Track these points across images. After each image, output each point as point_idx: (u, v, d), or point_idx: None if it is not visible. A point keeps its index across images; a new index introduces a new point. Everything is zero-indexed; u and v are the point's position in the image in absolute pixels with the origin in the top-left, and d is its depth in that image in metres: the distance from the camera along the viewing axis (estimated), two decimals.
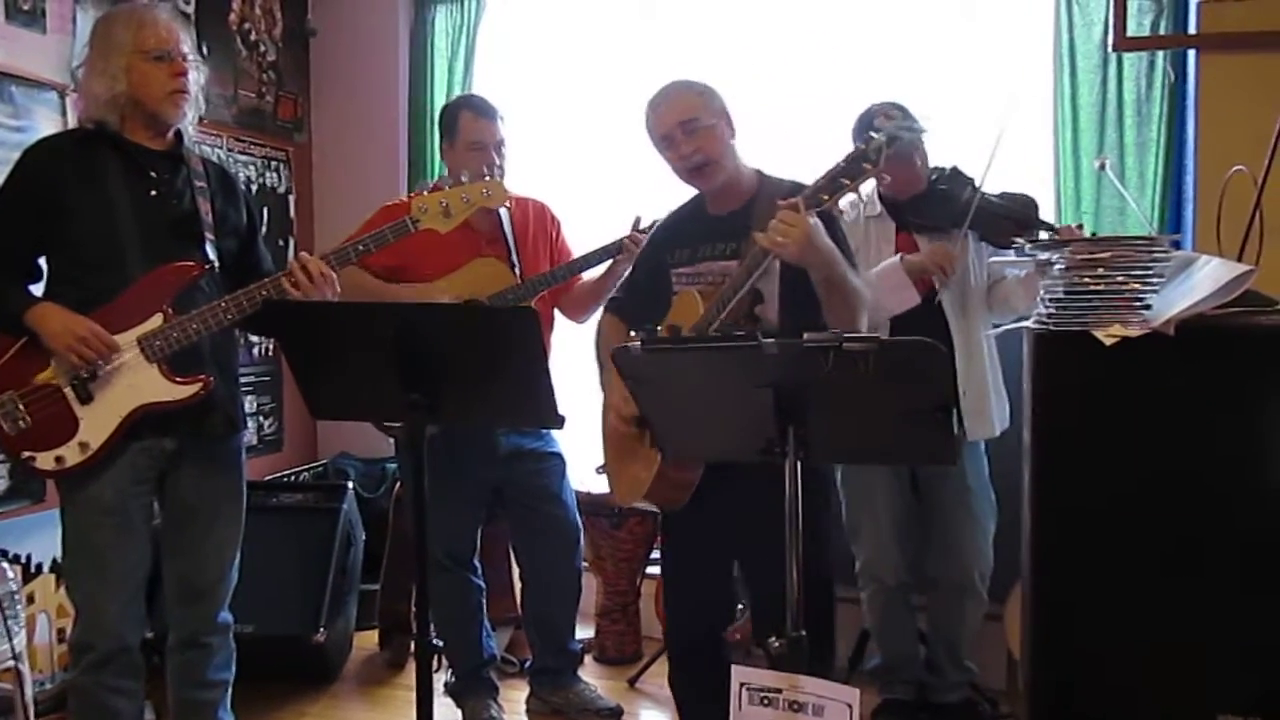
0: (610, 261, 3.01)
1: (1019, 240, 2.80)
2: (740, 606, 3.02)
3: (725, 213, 2.37)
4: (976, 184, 2.74)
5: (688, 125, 2.29)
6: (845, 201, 2.97)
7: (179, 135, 2.39)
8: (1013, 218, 2.78)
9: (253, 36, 4.17)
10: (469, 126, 2.96)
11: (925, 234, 2.86)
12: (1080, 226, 2.86)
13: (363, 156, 4.39)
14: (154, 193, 2.32)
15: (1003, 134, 2.68)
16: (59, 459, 2.22)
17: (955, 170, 2.85)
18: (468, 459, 2.92)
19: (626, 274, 2.71)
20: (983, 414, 2.85)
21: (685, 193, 2.48)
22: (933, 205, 2.83)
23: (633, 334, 2.50)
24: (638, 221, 2.98)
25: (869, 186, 2.95)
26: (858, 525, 2.99)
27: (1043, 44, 3.45)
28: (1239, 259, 2.12)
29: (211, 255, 2.34)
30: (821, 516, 2.37)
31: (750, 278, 2.16)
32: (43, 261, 2.32)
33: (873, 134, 2.08)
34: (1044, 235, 2.77)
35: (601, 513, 3.60)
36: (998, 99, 2.99)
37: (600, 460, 2.55)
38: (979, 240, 2.88)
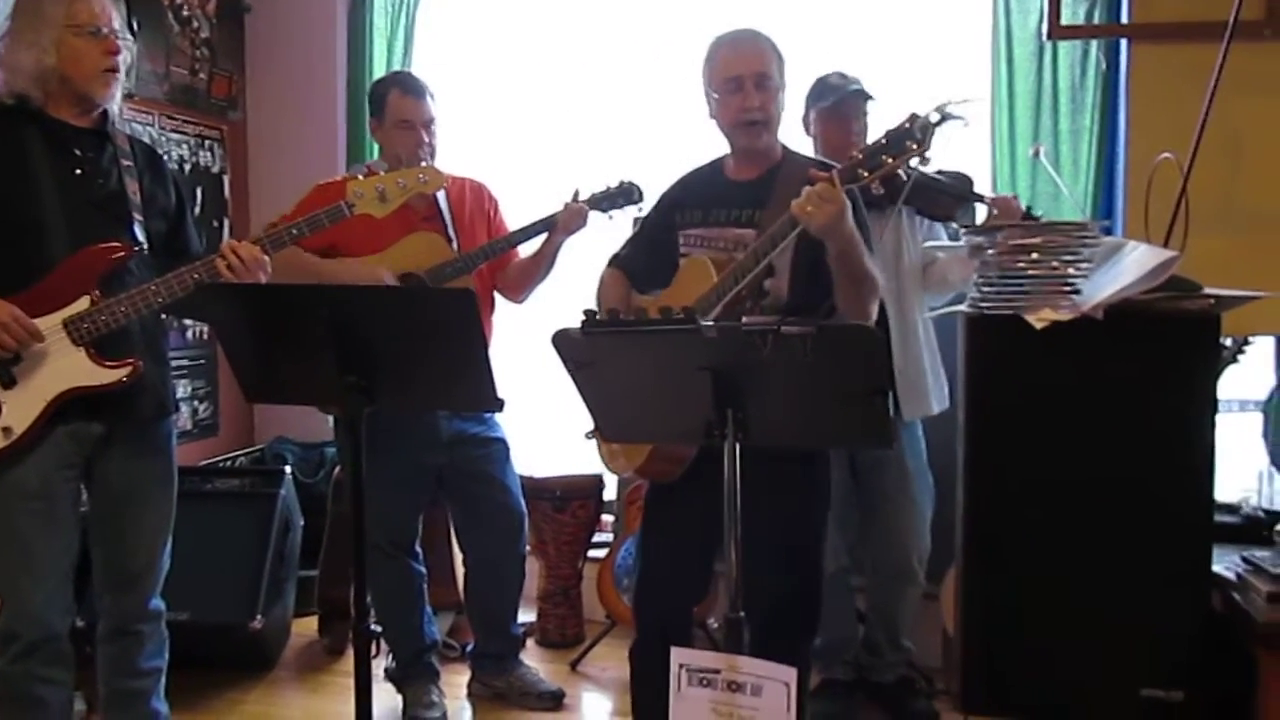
0: (545, 237, 2.99)
1: (955, 219, 2.86)
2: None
3: (745, 179, 2.31)
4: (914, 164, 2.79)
5: (762, 77, 2.21)
6: None
7: (104, 112, 2.32)
8: (950, 192, 2.83)
9: (185, 12, 4.07)
10: (397, 105, 2.92)
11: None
12: (1015, 197, 2.90)
13: (299, 136, 4.30)
14: (79, 171, 2.26)
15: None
16: None
17: None
18: (410, 444, 2.89)
19: (633, 232, 2.60)
20: (919, 393, 2.89)
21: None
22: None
23: (639, 295, 2.42)
24: (576, 194, 2.97)
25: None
26: None
27: (980, 32, 3.49)
28: (1165, 245, 2.17)
29: (140, 236, 2.28)
30: (820, 511, 2.34)
31: (774, 249, 2.08)
32: None
33: (917, 112, 1.98)
34: (980, 208, 2.84)
35: (544, 496, 3.60)
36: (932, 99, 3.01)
37: (586, 431, 2.47)
38: (916, 214, 2.92)
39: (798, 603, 2.28)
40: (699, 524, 2.26)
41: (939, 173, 2.85)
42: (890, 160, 1.98)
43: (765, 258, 2.10)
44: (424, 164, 2.56)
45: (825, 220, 1.99)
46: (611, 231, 2.97)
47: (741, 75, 2.21)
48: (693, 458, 2.21)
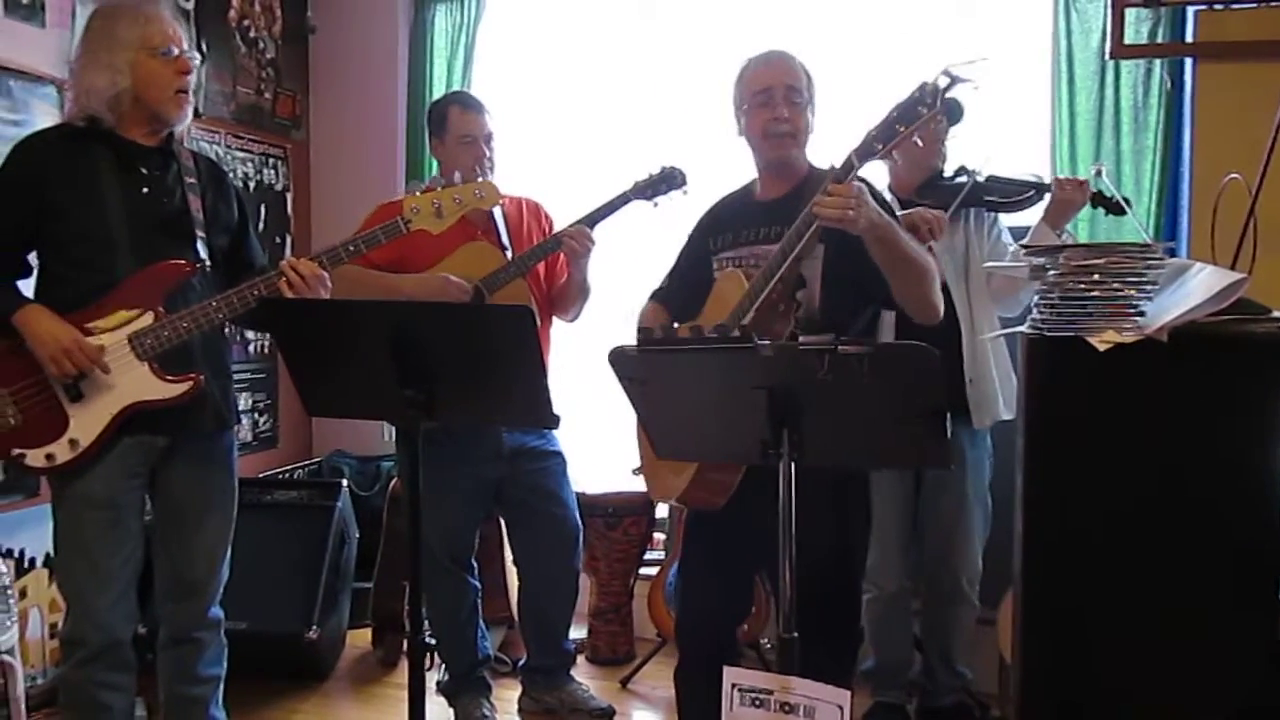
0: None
1: (1025, 206, 2.90)
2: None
3: (773, 198, 2.33)
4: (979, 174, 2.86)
5: (792, 90, 2.26)
6: None
7: (170, 131, 2.37)
8: (1022, 180, 2.87)
9: (252, 33, 4.17)
10: (458, 121, 2.98)
11: None
12: (1085, 181, 2.86)
13: (361, 154, 4.39)
14: (145, 190, 2.31)
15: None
16: (49, 456, 2.21)
17: (961, 167, 2.93)
18: (472, 457, 2.92)
19: (671, 266, 2.61)
20: (988, 399, 2.86)
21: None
22: (941, 192, 2.89)
23: (676, 325, 2.45)
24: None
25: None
26: None
27: (1041, 51, 3.46)
28: (1233, 267, 2.13)
29: (203, 253, 2.33)
30: (861, 530, 2.35)
31: (799, 242, 2.08)
32: (33, 258, 2.32)
33: (926, 80, 1.97)
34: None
35: (596, 513, 3.60)
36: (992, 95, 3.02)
37: (636, 460, 2.48)
38: (985, 213, 2.94)
39: (832, 623, 2.23)
40: (741, 549, 2.27)
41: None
42: (903, 129, 1.97)
43: (791, 253, 2.10)
44: (481, 179, 2.60)
45: (838, 211, 1.98)
46: (658, 219, 2.96)
47: (771, 87, 2.26)
48: (736, 487, 2.19)
